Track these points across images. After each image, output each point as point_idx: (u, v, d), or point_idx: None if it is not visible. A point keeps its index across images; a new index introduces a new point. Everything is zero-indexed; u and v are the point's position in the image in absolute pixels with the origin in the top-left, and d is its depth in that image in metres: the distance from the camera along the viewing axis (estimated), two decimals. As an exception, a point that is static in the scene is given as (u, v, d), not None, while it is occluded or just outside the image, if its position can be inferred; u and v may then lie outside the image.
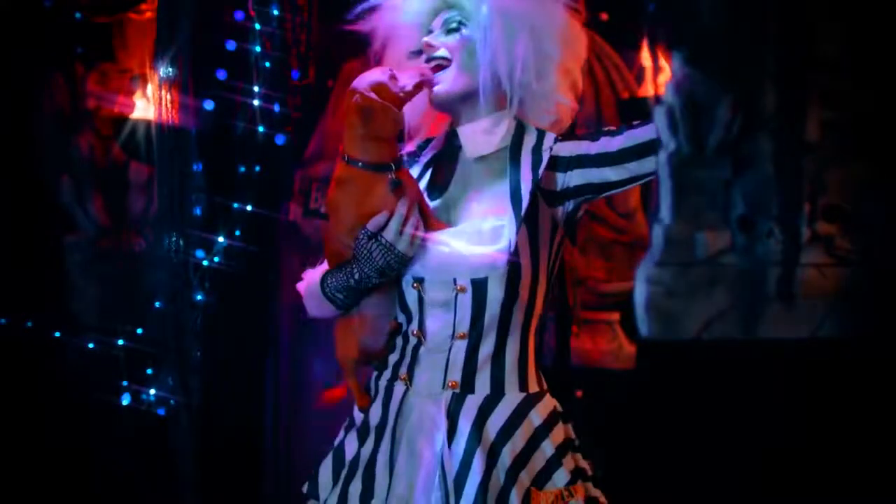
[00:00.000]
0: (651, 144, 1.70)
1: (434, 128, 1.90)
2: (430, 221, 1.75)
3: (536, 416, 1.75)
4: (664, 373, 3.68)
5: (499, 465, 1.69)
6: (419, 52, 1.81)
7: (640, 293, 4.01)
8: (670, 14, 3.99)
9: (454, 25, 1.76)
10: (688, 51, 4.01)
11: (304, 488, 1.86)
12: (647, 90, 3.94)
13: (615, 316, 3.94)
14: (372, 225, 1.71)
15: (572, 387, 3.70)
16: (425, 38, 1.78)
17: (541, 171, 1.73)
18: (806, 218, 3.98)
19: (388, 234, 1.70)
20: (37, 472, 3.20)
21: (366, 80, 1.70)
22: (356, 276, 1.73)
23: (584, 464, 1.79)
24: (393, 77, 1.71)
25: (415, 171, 1.87)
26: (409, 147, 1.90)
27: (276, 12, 3.12)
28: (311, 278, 1.86)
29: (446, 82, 1.77)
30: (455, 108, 1.80)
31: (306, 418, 3.38)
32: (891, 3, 3.73)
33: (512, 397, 1.74)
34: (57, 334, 3.36)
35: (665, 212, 4.01)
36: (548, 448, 1.73)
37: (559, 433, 1.77)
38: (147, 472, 3.22)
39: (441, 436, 1.69)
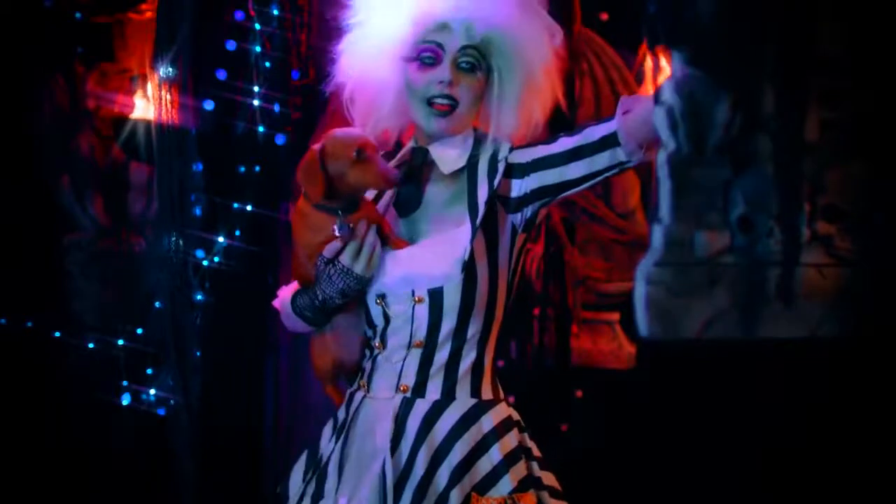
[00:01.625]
0: (607, 140, 1.70)
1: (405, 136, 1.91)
2: (392, 239, 1.79)
3: (486, 422, 1.75)
4: (664, 373, 3.68)
5: (441, 468, 1.71)
6: (412, 58, 1.78)
7: (640, 293, 4.02)
8: (670, 14, 4.00)
9: (468, 65, 1.75)
10: (688, 51, 4.02)
11: (278, 489, 1.90)
12: (647, 90, 3.94)
13: (615, 316, 3.95)
14: (328, 251, 1.77)
15: (572, 387, 3.70)
16: (447, 75, 1.75)
17: (496, 180, 1.76)
18: (806, 218, 3.99)
19: (345, 259, 1.75)
20: (37, 472, 3.20)
21: (335, 138, 1.73)
22: (320, 298, 1.80)
23: (540, 473, 1.78)
24: (361, 152, 1.71)
25: None
26: (399, 123, 1.90)
27: (276, 12, 3.11)
28: (284, 296, 1.91)
29: (451, 123, 1.79)
30: None
31: (306, 418, 3.38)
32: (891, 4, 3.73)
33: (462, 403, 1.76)
34: (57, 334, 3.36)
35: (665, 212, 4.02)
36: (495, 454, 1.73)
37: (510, 441, 1.76)
38: (147, 472, 3.22)
39: (386, 439, 1.73)
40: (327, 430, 1.88)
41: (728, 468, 3.43)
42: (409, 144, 1.88)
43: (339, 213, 1.75)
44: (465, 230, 1.74)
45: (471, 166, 1.80)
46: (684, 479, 3.38)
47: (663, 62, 3.90)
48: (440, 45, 1.76)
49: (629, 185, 3.98)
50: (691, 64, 3.90)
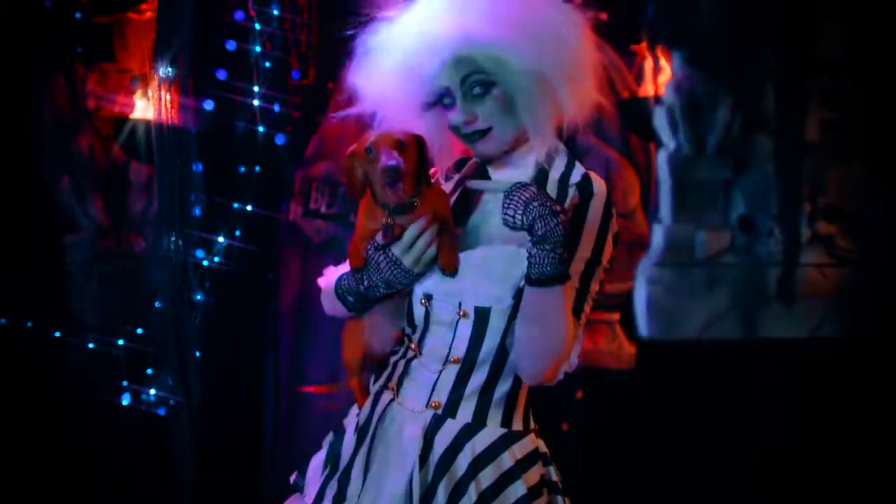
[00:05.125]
0: None
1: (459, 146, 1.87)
2: (454, 243, 1.73)
3: (513, 454, 1.71)
4: (664, 373, 3.69)
5: (464, 499, 1.67)
6: (431, 105, 1.74)
7: (640, 293, 4.03)
8: (670, 14, 4.00)
9: (480, 90, 1.68)
10: (688, 51, 4.02)
11: (292, 478, 1.87)
12: (647, 90, 3.94)
13: (615, 316, 3.95)
14: (380, 238, 1.71)
15: (572, 387, 3.70)
16: (461, 112, 1.70)
17: (565, 206, 1.67)
18: (806, 218, 4.00)
19: (397, 249, 1.70)
20: (37, 472, 3.20)
21: (367, 135, 1.69)
22: (365, 283, 1.74)
23: None
24: (371, 150, 1.67)
25: (448, 186, 1.85)
26: (445, 164, 1.87)
27: (276, 12, 3.12)
28: (330, 277, 1.85)
29: (492, 144, 1.73)
30: None
31: (306, 418, 3.38)
32: (891, 4, 3.73)
33: (491, 431, 1.71)
34: (57, 334, 3.36)
35: (665, 212, 4.04)
36: (520, 488, 1.69)
37: (534, 475, 1.72)
38: (147, 472, 3.22)
39: (414, 458, 1.68)
40: (350, 423, 1.82)
41: (728, 468, 3.43)
42: (474, 158, 1.83)
43: (387, 212, 1.69)
44: (524, 255, 1.64)
45: (538, 181, 1.71)
46: (684, 478, 3.38)
47: (663, 62, 3.90)
48: (446, 87, 1.71)
49: (629, 185, 3.97)
50: (691, 64, 3.91)
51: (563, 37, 1.69)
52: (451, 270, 1.69)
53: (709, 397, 3.54)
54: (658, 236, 3.87)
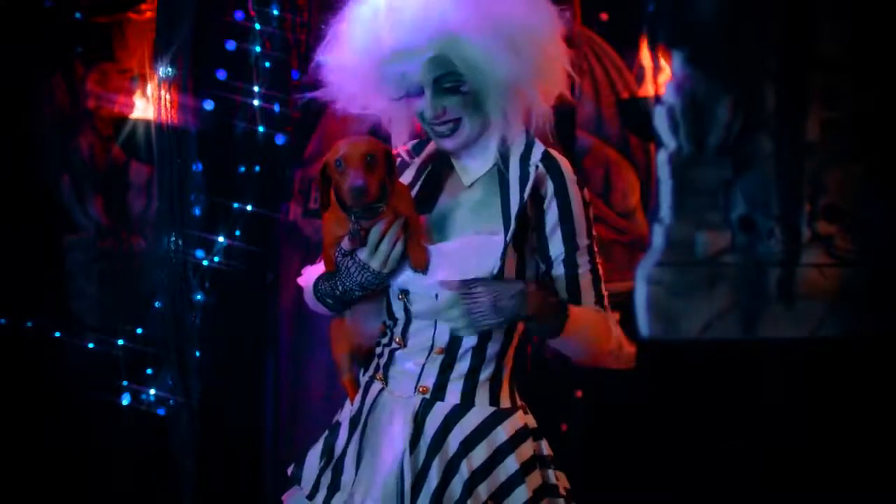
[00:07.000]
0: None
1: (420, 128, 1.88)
2: (421, 236, 1.75)
3: (503, 432, 1.73)
4: (664, 373, 3.68)
5: (454, 480, 1.70)
6: (399, 98, 1.77)
7: (640, 293, 4.03)
8: (670, 14, 3.99)
9: (451, 85, 1.71)
10: (688, 51, 4.01)
11: (290, 470, 1.88)
12: (647, 90, 3.94)
13: (615, 316, 3.94)
14: (346, 244, 1.73)
15: (572, 387, 3.70)
16: (430, 108, 1.72)
17: (528, 189, 1.70)
18: (806, 218, 3.99)
19: (362, 254, 1.72)
20: (37, 472, 3.20)
21: (337, 145, 1.70)
22: (340, 289, 1.76)
23: (554, 481, 1.78)
24: (341, 162, 1.67)
25: (409, 174, 1.85)
26: (403, 149, 1.88)
27: (276, 12, 3.12)
28: (309, 276, 1.88)
29: (460, 137, 1.75)
30: None
31: (306, 418, 3.38)
32: (891, 4, 3.72)
33: (480, 411, 1.74)
34: (57, 334, 3.36)
35: (665, 212, 4.04)
36: (511, 464, 1.72)
37: (526, 450, 1.75)
38: (147, 472, 3.22)
39: (404, 441, 1.71)
40: (345, 417, 1.85)
41: (728, 468, 3.43)
42: (436, 146, 1.84)
43: (353, 217, 1.70)
44: (497, 243, 1.68)
45: (501, 167, 1.74)
46: (684, 478, 3.38)
47: (663, 62, 3.90)
48: (418, 83, 1.73)
49: (629, 185, 3.97)
50: (691, 64, 3.91)
51: (536, 36, 1.71)
52: (421, 268, 1.71)
53: (709, 397, 3.54)
54: (658, 236, 3.87)
